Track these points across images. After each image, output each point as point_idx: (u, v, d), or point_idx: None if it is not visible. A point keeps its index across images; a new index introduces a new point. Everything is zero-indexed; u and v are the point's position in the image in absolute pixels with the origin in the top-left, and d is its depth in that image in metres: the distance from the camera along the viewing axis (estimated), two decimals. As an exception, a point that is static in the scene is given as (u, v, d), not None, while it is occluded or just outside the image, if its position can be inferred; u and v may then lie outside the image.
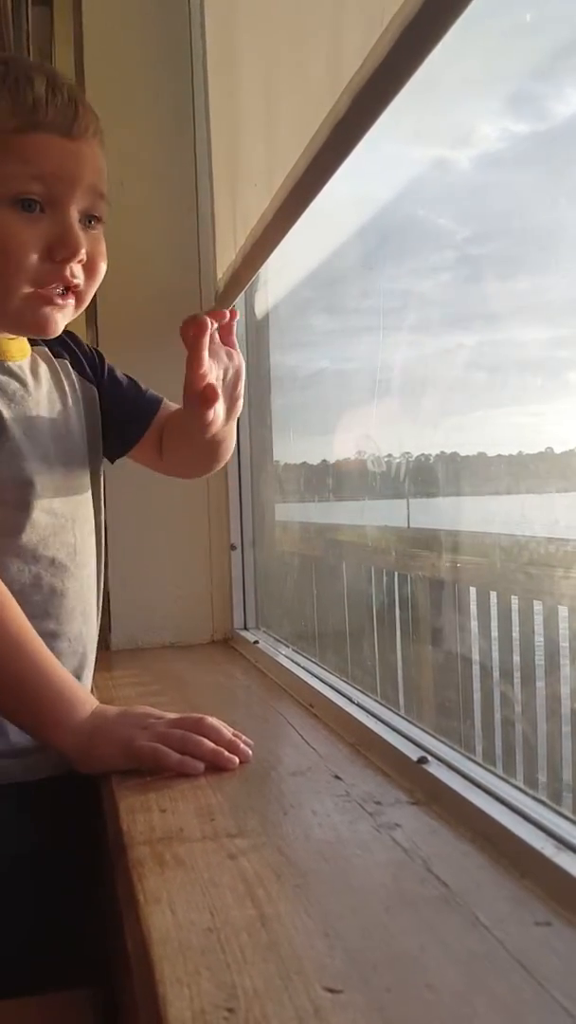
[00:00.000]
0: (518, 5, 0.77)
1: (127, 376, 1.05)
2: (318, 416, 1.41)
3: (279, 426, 1.41)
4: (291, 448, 1.43)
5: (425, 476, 1.12)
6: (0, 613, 0.79)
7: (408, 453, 1.12)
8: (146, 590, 1.21)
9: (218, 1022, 0.38)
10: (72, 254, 0.82)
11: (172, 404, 1.03)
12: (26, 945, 0.92)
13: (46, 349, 0.96)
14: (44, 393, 0.93)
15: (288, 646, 1.22)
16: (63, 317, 0.87)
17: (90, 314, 1.37)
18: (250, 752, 0.77)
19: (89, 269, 0.86)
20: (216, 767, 0.73)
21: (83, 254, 0.83)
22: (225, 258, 1.27)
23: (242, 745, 0.78)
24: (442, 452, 1.08)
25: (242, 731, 0.79)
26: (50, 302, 0.85)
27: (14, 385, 0.89)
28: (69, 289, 0.85)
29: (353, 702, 0.89)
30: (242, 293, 1.24)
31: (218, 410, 0.87)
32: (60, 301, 0.85)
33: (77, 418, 0.95)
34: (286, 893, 0.50)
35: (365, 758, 0.76)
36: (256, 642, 1.26)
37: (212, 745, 0.75)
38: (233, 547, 1.38)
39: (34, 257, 0.82)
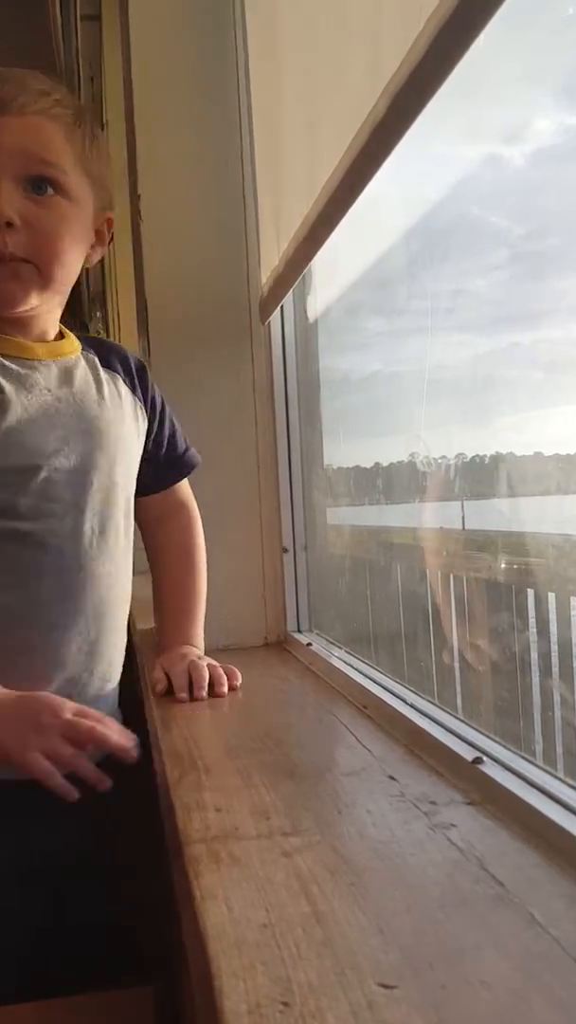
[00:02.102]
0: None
1: (175, 431, 1.10)
2: (369, 419, 1.40)
3: (330, 429, 1.41)
4: (342, 451, 1.43)
5: (480, 477, 1.11)
6: None
7: (462, 454, 1.11)
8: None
9: (273, 1016, 0.38)
10: None
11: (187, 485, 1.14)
12: (85, 943, 0.94)
13: (95, 359, 1.00)
14: (72, 392, 0.95)
15: (341, 648, 1.22)
16: (21, 289, 0.89)
17: (141, 321, 1.39)
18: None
19: (37, 237, 0.88)
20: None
21: (11, 216, 0.85)
22: (269, 263, 1.28)
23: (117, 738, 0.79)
24: (497, 452, 1.07)
25: (297, 733, 0.79)
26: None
27: (35, 377, 0.92)
28: (21, 259, 0.87)
29: (407, 703, 0.89)
30: (289, 296, 1.25)
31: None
32: (15, 271, 0.87)
33: (111, 422, 0.97)
34: (340, 891, 0.50)
35: (419, 759, 0.75)
36: (309, 644, 1.27)
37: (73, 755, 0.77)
38: (285, 550, 1.38)
39: None
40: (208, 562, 1.22)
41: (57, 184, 0.89)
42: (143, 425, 1.04)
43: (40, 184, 0.88)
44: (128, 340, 2.66)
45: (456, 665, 1.30)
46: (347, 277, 1.26)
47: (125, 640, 1.00)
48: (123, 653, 1.00)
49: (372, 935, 0.45)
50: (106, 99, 2.90)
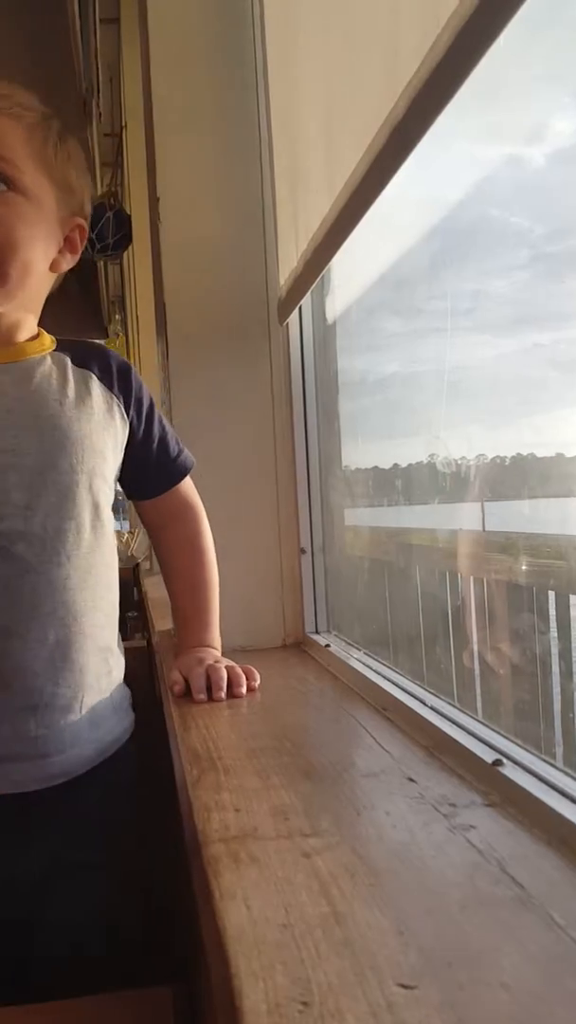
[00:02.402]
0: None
1: (165, 433, 1.09)
2: (388, 420, 1.40)
3: (348, 431, 1.41)
4: (360, 453, 1.43)
5: (500, 478, 1.10)
6: None
7: (482, 455, 1.11)
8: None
9: (293, 1015, 0.39)
10: None
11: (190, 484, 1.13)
12: (109, 943, 0.94)
13: (67, 359, 0.99)
14: (30, 391, 0.94)
15: (360, 650, 1.22)
16: None
17: (160, 323, 1.40)
18: None
19: None
20: None
21: None
22: (287, 265, 1.28)
23: None
24: (518, 454, 1.07)
25: (316, 734, 0.79)
26: None
27: None
28: None
29: (426, 705, 0.89)
30: (307, 298, 1.25)
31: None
32: None
33: (73, 420, 0.95)
34: (360, 892, 0.50)
35: (439, 761, 0.75)
36: (328, 646, 1.27)
37: None
38: (303, 551, 1.38)
39: None
40: (226, 563, 1.22)
41: (11, 180, 0.89)
42: (121, 424, 1.02)
43: None
44: (147, 343, 2.67)
45: (476, 667, 1.30)
46: (366, 278, 1.26)
47: (113, 651, 0.98)
48: (112, 662, 0.98)
49: (392, 936, 0.45)
50: (125, 102, 2.92)
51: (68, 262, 0.98)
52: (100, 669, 0.95)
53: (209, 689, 0.98)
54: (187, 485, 1.13)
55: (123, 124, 3.10)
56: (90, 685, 0.93)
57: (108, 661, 0.97)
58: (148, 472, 1.07)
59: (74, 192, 0.96)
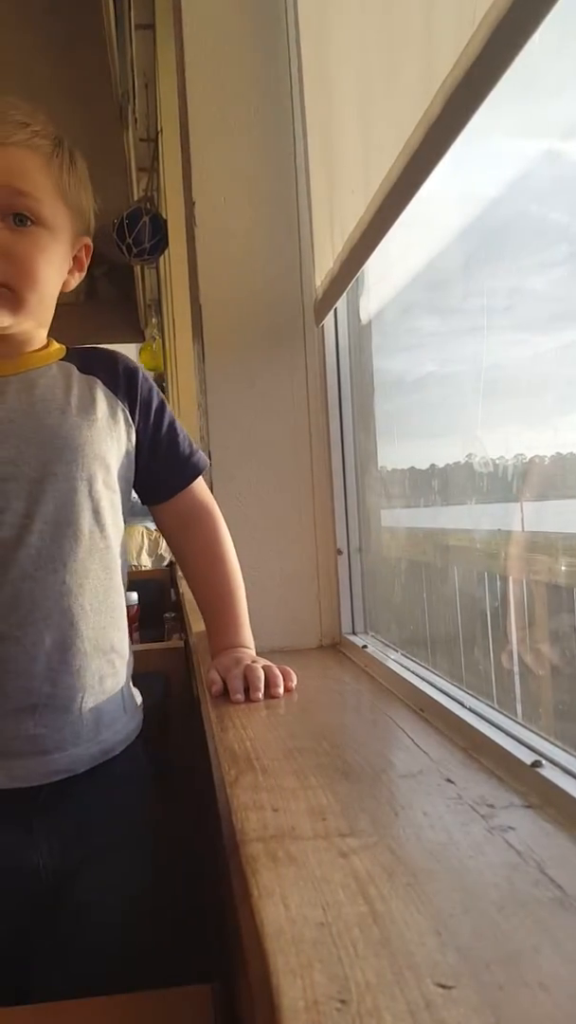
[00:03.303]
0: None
1: (175, 435, 1.09)
2: (425, 420, 1.40)
3: (384, 431, 1.40)
4: (397, 453, 1.42)
5: (539, 478, 1.09)
6: None
7: (521, 455, 1.10)
8: (253, 596, 1.22)
9: (331, 1013, 0.39)
10: None
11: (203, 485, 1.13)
12: (149, 941, 0.95)
13: (73, 367, 1.01)
14: (31, 402, 0.96)
15: (397, 651, 1.22)
16: None
17: (196, 326, 1.41)
18: None
19: (13, 266, 0.91)
20: None
21: None
22: (323, 266, 1.28)
23: None
24: (557, 453, 1.06)
25: (353, 735, 0.79)
26: None
27: None
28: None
29: (465, 706, 0.88)
30: (342, 298, 1.25)
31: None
32: None
33: (75, 427, 0.97)
34: (398, 891, 0.50)
35: (478, 762, 0.75)
36: (365, 647, 1.26)
37: None
38: (340, 552, 1.38)
39: None
40: (262, 564, 1.22)
41: (36, 215, 0.92)
42: (127, 429, 1.03)
43: (20, 217, 0.92)
44: (183, 346, 2.69)
45: (515, 668, 1.29)
46: (401, 277, 1.26)
47: (119, 653, 0.99)
48: (117, 664, 0.99)
49: (430, 936, 0.45)
50: (160, 107, 2.94)
51: (75, 280, 1.02)
52: (103, 670, 0.96)
53: (247, 690, 0.98)
54: (200, 486, 1.12)
55: (159, 129, 3.13)
56: (91, 686, 0.95)
57: (114, 663, 0.98)
58: (159, 475, 1.08)
59: (84, 214, 1.00)
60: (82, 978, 0.89)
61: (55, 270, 0.97)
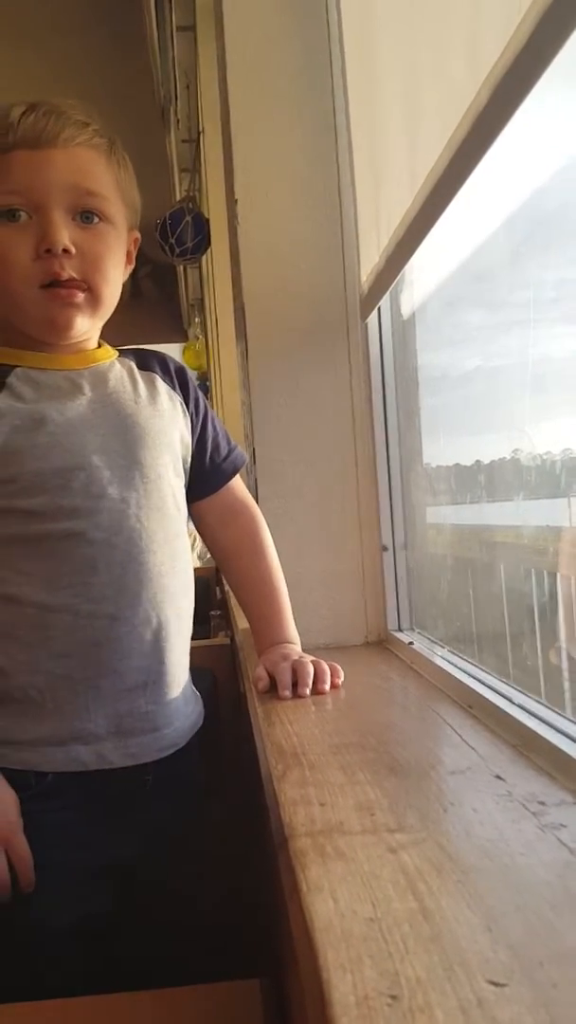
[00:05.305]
0: None
1: (217, 431, 1.11)
2: (470, 415, 1.38)
3: (429, 427, 1.39)
4: (442, 449, 1.41)
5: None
6: None
7: (568, 449, 1.08)
8: (298, 592, 1.22)
9: (382, 1008, 0.38)
10: (51, 244, 0.90)
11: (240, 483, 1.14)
12: (198, 936, 0.96)
13: (132, 363, 1.04)
14: (107, 393, 0.99)
15: (444, 647, 1.21)
16: (80, 315, 0.95)
17: (239, 324, 1.41)
18: None
19: (87, 263, 0.93)
20: None
21: (66, 245, 0.91)
22: (368, 260, 1.27)
23: None
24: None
25: (401, 731, 0.79)
26: (59, 299, 0.93)
27: (69, 385, 0.97)
28: (74, 286, 0.92)
29: (514, 703, 0.87)
30: (386, 294, 1.24)
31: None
32: (70, 298, 0.93)
33: (150, 417, 1.00)
34: (448, 888, 0.50)
35: (527, 759, 0.74)
36: (411, 643, 1.26)
37: None
38: (385, 549, 1.38)
39: (26, 258, 0.91)
40: (307, 560, 1.22)
41: (103, 213, 0.95)
42: (185, 420, 1.07)
43: (88, 214, 0.93)
44: (226, 345, 2.70)
45: (564, 665, 1.27)
46: (444, 270, 1.25)
47: (190, 633, 1.04)
48: (189, 643, 1.03)
49: (480, 933, 0.44)
50: (202, 106, 2.95)
51: (126, 273, 1.04)
52: (187, 647, 1.02)
53: (294, 685, 0.99)
54: (239, 482, 1.15)
55: (200, 129, 3.14)
56: (183, 663, 1.00)
57: (188, 642, 1.03)
58: (203, 470, 1.10)
59: (136, 209, 1.02)
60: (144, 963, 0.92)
61: (121, 265, 1.00)
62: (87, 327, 0.97)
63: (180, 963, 0.93)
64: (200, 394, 1.11)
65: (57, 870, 0.89)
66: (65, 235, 0.91)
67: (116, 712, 0.93)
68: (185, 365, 1.12)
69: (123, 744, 0.93)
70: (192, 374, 1.11)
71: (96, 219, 0.94)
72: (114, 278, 0.97)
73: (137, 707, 0.94)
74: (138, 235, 1.05)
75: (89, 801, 0.92)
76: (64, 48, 3.65)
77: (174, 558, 0.99)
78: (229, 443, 1.13)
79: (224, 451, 1.12)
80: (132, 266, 1.05)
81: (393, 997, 0.39)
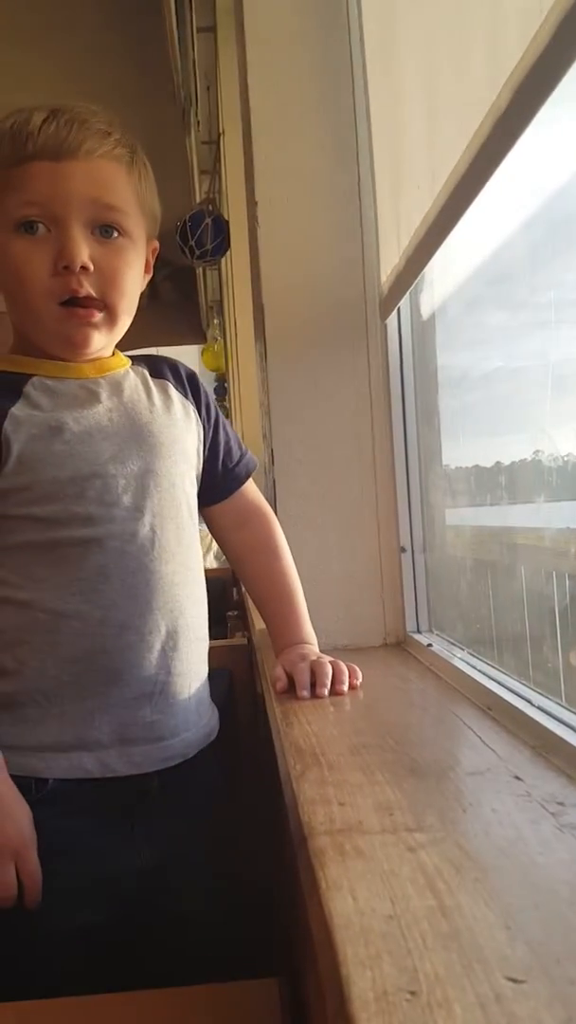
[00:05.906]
0: None
1: (228, 435, 1.11)
2: (490, 416, 1.38)
3: (449, 428, 1.39)
4: (461, 450, 1.41)
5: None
6: None
7: (592, 451, 1.08)
8: (316, 594, 1.23)
9: (400, 1004, 0.39)
10: (69, 261, 0.89)
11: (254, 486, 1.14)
12: (213, 934, 0.96)
13: (145, 371, 1.04)
14: (122, 402, 0.98)
15: (463, 649, 1.21)
16: (97, 333, 0.94)
17: (258, 325, 1.42)
18: None
19: (105, 279, 0.92)
20: None
21: (85, 262, 0.89)
22: (388, 262, 1.27)
23: None
24: None
25: (420, 732, 0.79)
26: (76, 318, 0.92)
27: (85, 393, 0.97)
28: (92, 305, 0.92)
29: (533, 704, 0.87)
30: (406, 295, 1.24)
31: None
32: (88, 318, 0.92)
33: (164, 425, 1.00)
34: (466, 886, 0.50)
35: (547, 760, 0.74)
36: (430, 645, 1.26)
37: None
38: (403, 550, 1.38)
39: (44, 273, 0.90)
40: (325, 562, 1.22)
41: (121, 227, 0.93)
42: (197, 427, 1.06)
43: (107, 228, 0.92)
44: (245, 346, 2.71)
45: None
46: (464, 271, 1.25)
47: (206, 640, 1.03)
48: (205, 651, 1.02)
49: (499, 930, 0.45)
50: (222, 108, 2.96)
51: (144, 282, 1.03)
52: (201, 656, 1.01)
53: (313, 685, 0.99)
54: (252, 485, 1.15)
55: (220, 131, 3.15)
56: (195, 672, 0.99)
57: (204, 651, 1.02)
58: (216, 475, 1.10)
59: (156, 218, 1.01)
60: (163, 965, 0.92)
61: (139, 279, 0.99)
62: (104, 343, 0.97)
63: (192, 965, 0.92)
64: (211, 399, 1.11)
65: (60, 877, 0.88)
66: (84, 251, 0.90)
67: (121, 720, 0.92)
68: (194, 371, 1.12)
69: (127, 752, 0.92)
70: (203, 379, 1.11)
71: (115, 233, 0.93)
72: (132, 292, 0.97)
73: (143, 716, 0.93)
74: (157, 244, 1.04)
75: (93, 809, 0.91)
76: (84, 49, 3.67)
77: (187, 567, 0.98)
78: (241, 448, 1.14)
79: (236, 456, 1.12)
80: (150, 275, 1.04)
81: (412, 993, 0.39)
